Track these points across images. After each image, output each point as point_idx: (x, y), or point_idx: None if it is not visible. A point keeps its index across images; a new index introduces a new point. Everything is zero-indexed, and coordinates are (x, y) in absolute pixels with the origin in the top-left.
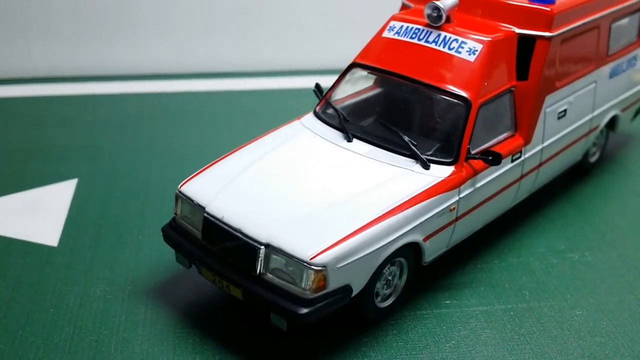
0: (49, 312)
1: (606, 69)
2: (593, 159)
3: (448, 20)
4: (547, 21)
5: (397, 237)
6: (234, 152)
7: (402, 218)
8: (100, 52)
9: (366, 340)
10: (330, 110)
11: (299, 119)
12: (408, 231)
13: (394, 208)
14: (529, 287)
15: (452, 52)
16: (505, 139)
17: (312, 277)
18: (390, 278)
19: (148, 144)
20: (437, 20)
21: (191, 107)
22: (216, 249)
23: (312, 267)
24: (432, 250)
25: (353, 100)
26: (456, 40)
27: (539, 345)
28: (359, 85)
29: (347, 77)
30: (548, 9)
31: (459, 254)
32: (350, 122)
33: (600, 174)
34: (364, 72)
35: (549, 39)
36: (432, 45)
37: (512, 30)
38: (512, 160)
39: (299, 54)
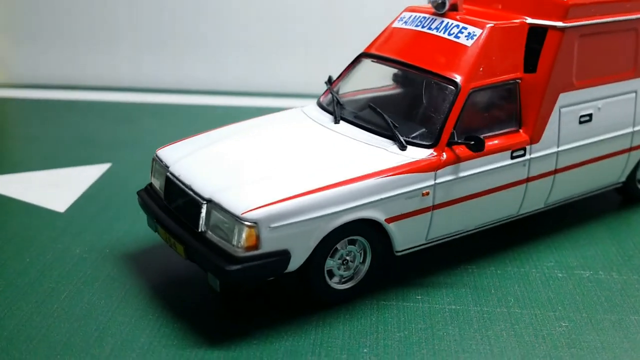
0: (25, 261)
1: None
2: None
3: (455, 9)
4: (561, 11)
5: (349, 209)
6: (224, 126)
7: (356, 189)
8: (181, 69)
9: (314, 319)
10: (330, 98)
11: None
12: (363, 205)
13: (350, 179)
14: (517, 295)
15: (451, 38)
16: (506, 133)
17: (243, 233)
18: (348, 259)
19: None
20: (440, 7)
21: None
22: (172, 208)
23: (244, 222)
24: (403, 238)
25: (362, 95)
26: (457, 26)
27: (502, 348)
28: (366, 74)
29: (355, 67)
30: None
31: (452, 256)
32: (346, 108)
33: None
34: (369, 61)
35: (561, 29)
36: (434, 32)
37: (524, 20)
38: (512, 157)
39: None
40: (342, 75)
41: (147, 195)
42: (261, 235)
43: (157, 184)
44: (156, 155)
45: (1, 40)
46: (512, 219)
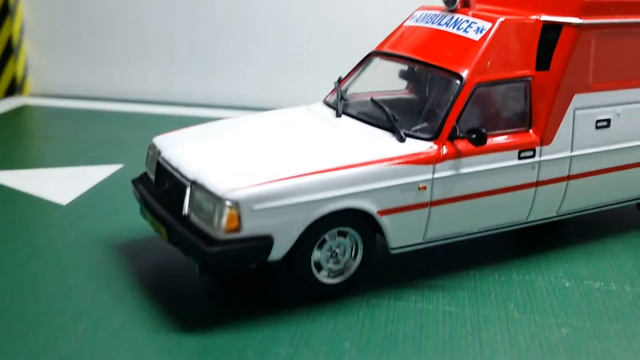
0: (20, 237)
1: None
2: None
3: (467, 5)
4: (576, 7)
5: (337, 197)
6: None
7: (346, 177)
8: (209, 84)
9: (298, 312)
10: (335, 95)
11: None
12: (353, 194)
13: (340, 166)
14: (519, 300)
15: (460, 32)
16: (515, 132)
17: (224, 214)
18: (337, 251)
19: None
20: (451, 4)
21: None
22: (161, 192)
23: (225, 202)
24: (399, 235)
25: (368, 97)
26: (467, 21)
27: (494, 350)
28: (375, 72)
29: (364, 65)
30: None
31: (454, 261)
32: (350, 104)
33: None
34: (378, 59)
35: (576, 26)
36: (443, 27)
37: (538, 17)
38: (520, 158)
39: None
40: (350, 74)
41: (140, 183)
42: (243, 217)
43: (150, 170)
44: (152, 142)
45: (38, 53)
46: (522, 226)
